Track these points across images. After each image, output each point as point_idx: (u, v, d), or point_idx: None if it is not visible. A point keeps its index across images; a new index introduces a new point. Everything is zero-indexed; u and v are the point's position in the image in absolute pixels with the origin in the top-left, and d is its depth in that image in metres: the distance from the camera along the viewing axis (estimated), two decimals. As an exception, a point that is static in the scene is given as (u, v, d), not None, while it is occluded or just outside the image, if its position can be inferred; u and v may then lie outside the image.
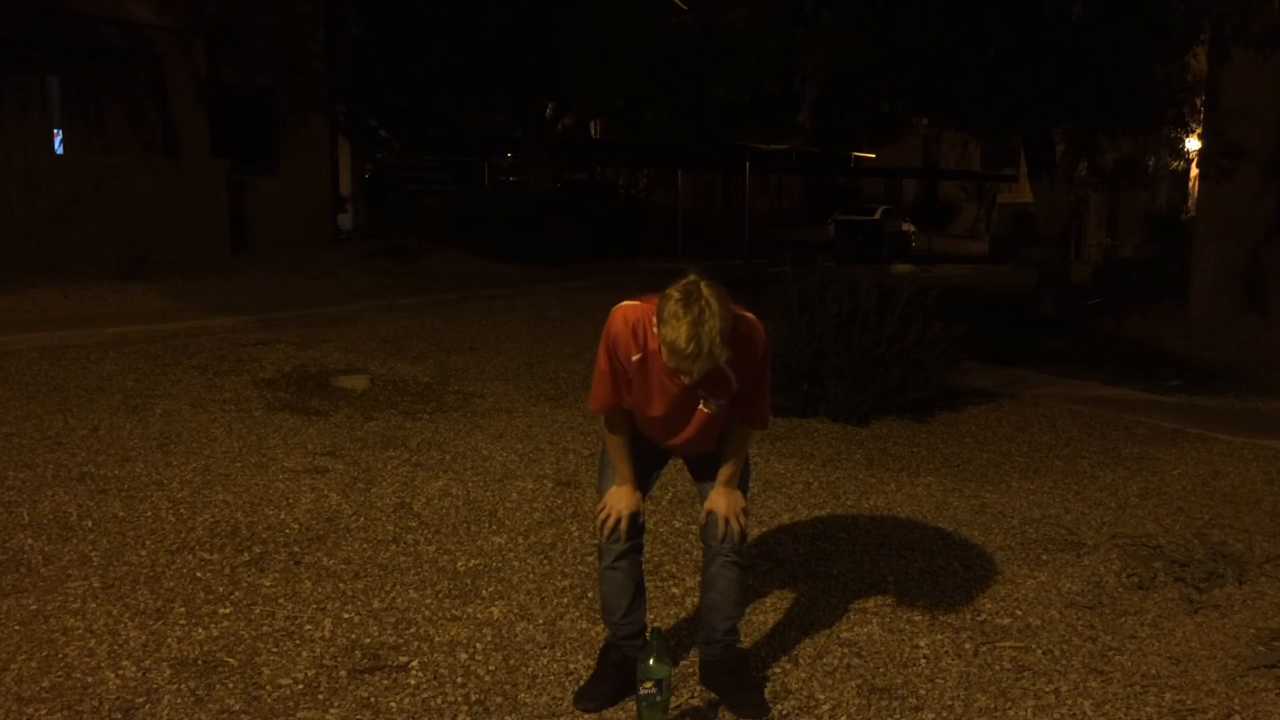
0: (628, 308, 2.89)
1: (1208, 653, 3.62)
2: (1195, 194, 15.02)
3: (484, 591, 3.88)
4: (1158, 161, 21.19)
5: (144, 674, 3.16)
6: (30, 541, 4.14)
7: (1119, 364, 9.56)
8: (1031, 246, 18.10)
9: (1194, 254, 11.43)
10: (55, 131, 13.35)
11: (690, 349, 2.62)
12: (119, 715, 2.92)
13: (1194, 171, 18.14)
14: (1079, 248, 22.75)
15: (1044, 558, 4.48)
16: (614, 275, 14.01)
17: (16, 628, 3.41)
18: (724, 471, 3.06)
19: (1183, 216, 20.02)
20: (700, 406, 2.92)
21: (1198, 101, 13.60)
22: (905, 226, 32.14)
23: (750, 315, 2.91)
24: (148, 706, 2.97)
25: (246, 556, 4.10)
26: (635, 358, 2.86)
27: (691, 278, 2.69)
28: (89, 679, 3.11)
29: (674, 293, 2.66)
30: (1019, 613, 3.89)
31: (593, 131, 30.48)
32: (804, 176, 40.71)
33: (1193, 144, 17.69)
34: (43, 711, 2.92)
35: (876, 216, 30.82)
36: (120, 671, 3.16)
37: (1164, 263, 14.37)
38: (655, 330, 2.73)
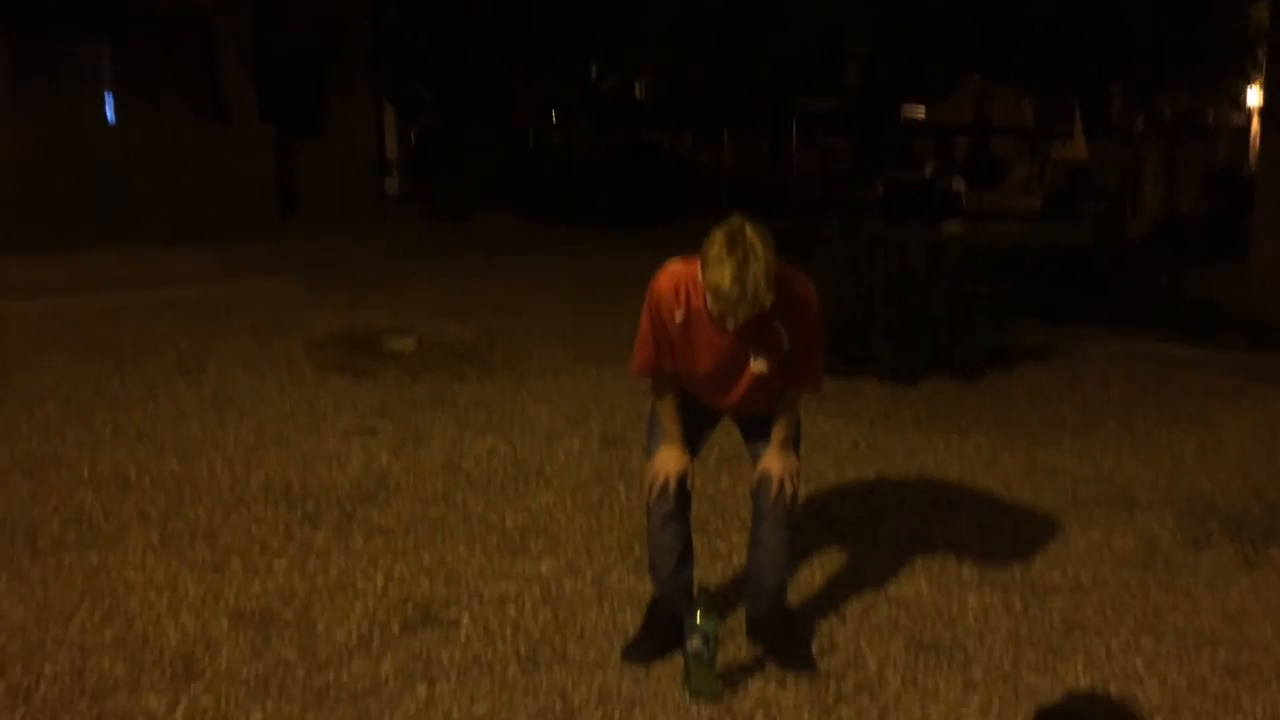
0: (671, 267, 2.87)
1: (1263, 610, 3.56)
2: (1257, 148, 14.60)
3: (532, 548, 3.92)
4: (1218, 115, 20.63)
5: (203, 625, 3.23)
6: (91, 498, 4.24)
7: (1176, 321, 9.36)
8: (1086, 203, 17.73)
9: (1256, 209, 11.13)
10: (106, 97, 13.53)
11: (734, 292, 2.58)
12: (180, 665, 2.99)
13: (1255, 125, 17.65)
14: (1135, 204, 22.24)
15: (1096, 516, 4.42)
16: (659, 236, 13.96)
17: (80, 580, 3.50)
18: (777, 433, 3.03)
19: (1243, 172, 19.51)
20: (750, 365, 2.89)
21: (1260, 53, 13.18)
22: (956, 185, 31.60)
23: (802, 275, 2.88)
24: (207, 657, 3.04)
25: (300, 513, 4.17)
26: (679, 317, 2.83)
27: (736, 220, 2.65)
28: (150, 630, 3.19)
29: (718, 235, 2.62)
30: (1070, 570, 3.85)
31: (637, 93, 30.29)
32: (852, 135, 40.18)
33: (1254, 97, 17.19)
34: (106, 661, 3.00)
35: (926, 175, 30.35)
36: (180, 623, 3.24)
37: (1223, 218, 14.02)
38: (700, 285, 2.70)
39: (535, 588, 3.58)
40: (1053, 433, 5.75)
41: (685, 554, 3.13)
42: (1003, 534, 4.23)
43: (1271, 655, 3.24)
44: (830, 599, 3.55)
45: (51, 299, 8.12)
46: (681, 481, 3.05)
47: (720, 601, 3.29)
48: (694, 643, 2.83)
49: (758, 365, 2.88)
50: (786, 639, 3.14)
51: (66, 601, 3.35)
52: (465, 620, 3.33)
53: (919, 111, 32.60)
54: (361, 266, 10.78)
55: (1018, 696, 2.96)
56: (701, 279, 2.67)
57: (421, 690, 2.90)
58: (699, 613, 2.83)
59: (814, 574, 3.75)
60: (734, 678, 2.99)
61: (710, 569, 3.74)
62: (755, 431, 3.12)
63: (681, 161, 27.16)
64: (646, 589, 3.36)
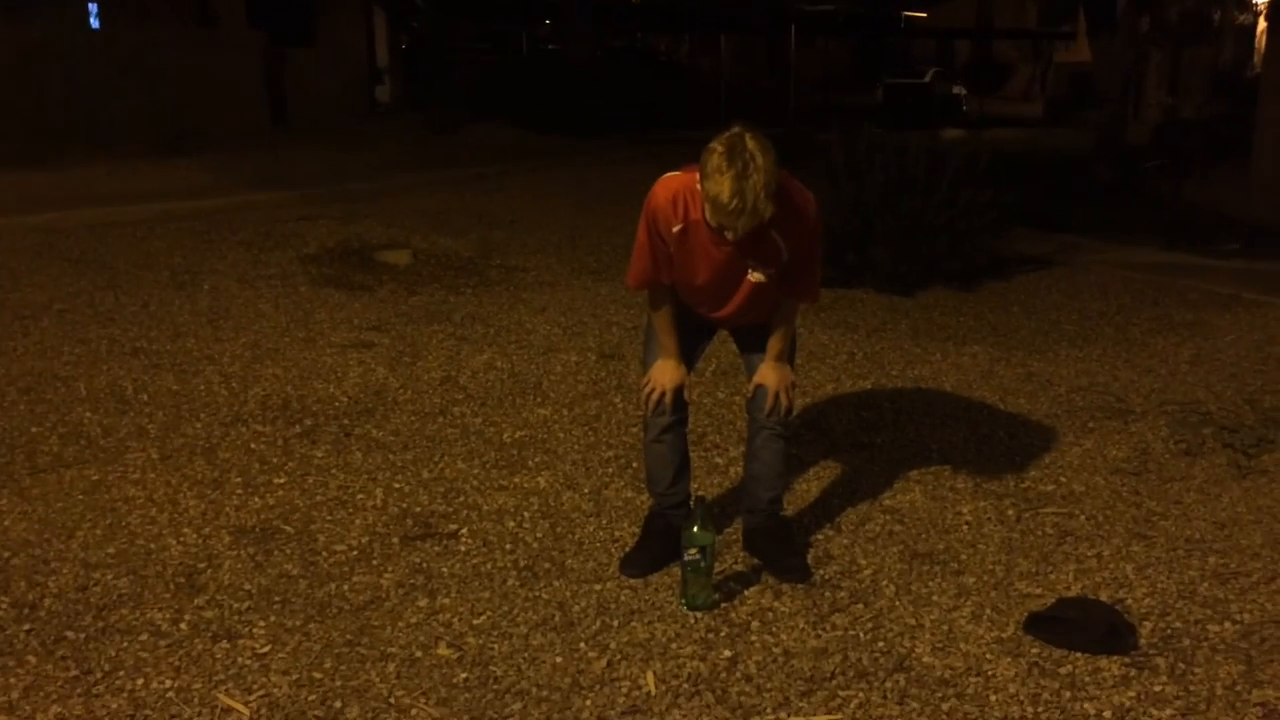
0: (669, 179, 2.83)
1: (1254, 517, 3.60)
2: (1262, 49, 14.33)
3: (530, 462, 3.95)
4: (1224, 15, 20.21)
5: (204, 540, 3.26)
6: (89, 414, 4.25)
7: (1176, 229, 9.29)
8: (1089, 108, 17.47)
9: (1259, 113, 10.96)
10: (89, 5, 13.20)
11: (734, 204, 2.55)
12: (182, 579, 3.03)
13: (1261, 25, 17.29)
14: (1138, 108, 21.91)
15: (1090, 425, 4.45)
16: (656, 145, 13.77)
17: (80, 497, 3.53)
18: (773, 345, 3.03)
19: (1248, 73, 19.18)
20: (748, 275, 2.87)
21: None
22: (956, 90, 31.10)
23: (801, 185, 2.84)
24: (209, 571, 3.08)
25: (298, 429, 4.18)
26: (676, 229, 2.80)
27: (736, 130, 2.60)
28: (152, 545, 3.23)
29: (717, 146, 2.57)
30: (1063, 479, 3.89)
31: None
32: (852, 39, 39.35)
33: (1263, -5, 16.81)
34: (109, 576, 3.03)
35: (927, 80, 29.82)
36: (181, 538, 3.27)
37: (1227, 122, 13.82)
38: (699, 194, 2.67)
39: (534, 501, 3.61)
40: (1049, 342, 5.75)
41: (682, 466, 3.16)
42: (997, 444, 4.26)
43: (1260, 561, 3.29)
44: (826, 510, 3.59)
45: (42, 214, 8.02)
46: (678, 394, 3.05)
47: (717, 513, 3.33)
48: (691, 554, 2.86)
49: (755, 277, 2.86)
50: (782, 550, 3.18)
51: (68, 518, 3.38)
52: (465, 533, 3.36)
53: (921, 14, 31.90)
54: (354, 178, 10.65)
55: (1010, 604, 3.01)
56: (700, 190, 2.64)
57: (423, 602, 2.94)
58: (696, 524, 2.85)
59: (809, 485, 3.79)
60: (730, 588, 3.03)
61: (707, 481, 3.77)
62: (751, 343, 3.12)
63: (679, 67, 26.69)
64: (644, 502, 3.40)
